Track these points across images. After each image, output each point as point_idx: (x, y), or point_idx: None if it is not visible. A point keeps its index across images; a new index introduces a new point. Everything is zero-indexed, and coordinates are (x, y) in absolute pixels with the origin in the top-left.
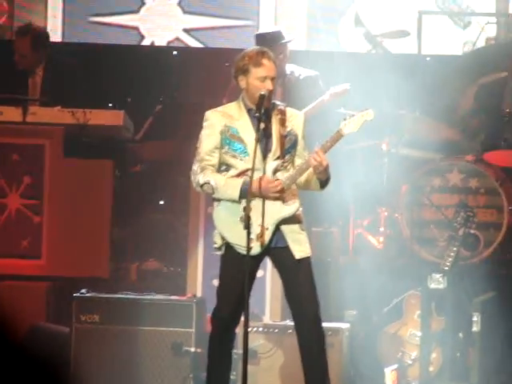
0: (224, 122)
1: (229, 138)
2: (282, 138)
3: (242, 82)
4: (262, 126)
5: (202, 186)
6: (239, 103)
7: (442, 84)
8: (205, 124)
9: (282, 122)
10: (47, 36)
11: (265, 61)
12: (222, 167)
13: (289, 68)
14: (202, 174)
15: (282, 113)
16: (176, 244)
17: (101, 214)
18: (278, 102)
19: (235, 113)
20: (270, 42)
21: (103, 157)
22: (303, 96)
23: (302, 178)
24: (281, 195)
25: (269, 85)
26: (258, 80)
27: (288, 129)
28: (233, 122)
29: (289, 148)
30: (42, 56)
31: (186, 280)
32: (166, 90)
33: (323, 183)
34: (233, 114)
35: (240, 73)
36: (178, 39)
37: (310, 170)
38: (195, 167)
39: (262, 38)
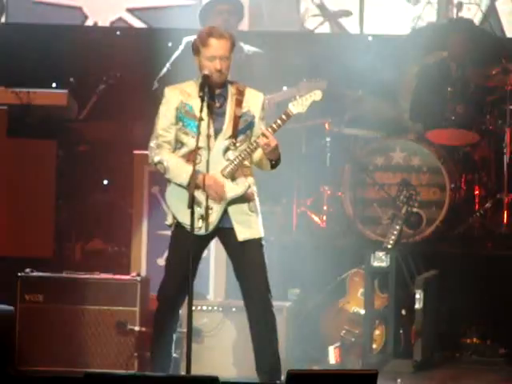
0: (181, 98)
1: (183, 115)
2: (236, 118)
3: (196, 62)
4: (205, 106)
5: (155, 164)
6: (196, 81)
7: (385, 63)
8: (163, 100)
9: (239, 103)
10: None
11: (212, 40)
12: (178, 145)
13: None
14: (157, 152)
15: (240, 93)
16: (120, 223)
17: (45, 194)
18: (237, 82)
19: (192, 90)
20: (203, 14)
21: (47, 137)
22: (252, 72)
23: (256, 156)
24: (222, 195)
25: (217, 64)
26: (207, 60)
27: (244, 109)
28: (189, 99)
29: (243, 129)
30: None
31: (130, 259)
32: (110, 70)
33: (273, 163)
34: (190, 91)
35: (194, 52)
36: (121, 19)
37: None
38: (152, 144)
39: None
